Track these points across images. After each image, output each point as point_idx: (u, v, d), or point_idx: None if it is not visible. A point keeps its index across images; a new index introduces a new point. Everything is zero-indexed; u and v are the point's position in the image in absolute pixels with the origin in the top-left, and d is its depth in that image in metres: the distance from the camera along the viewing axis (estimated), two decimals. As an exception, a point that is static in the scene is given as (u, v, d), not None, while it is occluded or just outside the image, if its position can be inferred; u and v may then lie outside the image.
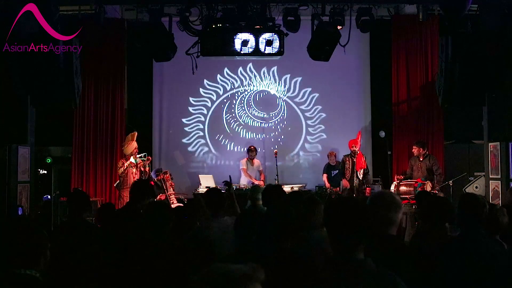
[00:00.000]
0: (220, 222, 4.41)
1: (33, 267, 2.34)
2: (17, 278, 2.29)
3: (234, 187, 9.13)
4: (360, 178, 9.07)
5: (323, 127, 10.69)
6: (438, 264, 2.90)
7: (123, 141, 9.62)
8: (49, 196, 8.80)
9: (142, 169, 8.92)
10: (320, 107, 10.71)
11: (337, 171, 9.81)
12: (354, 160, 9.04)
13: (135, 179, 8.74)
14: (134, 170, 8.81)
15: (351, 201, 2.23)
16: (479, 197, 3.26)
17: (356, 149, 9.06)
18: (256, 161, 10.00)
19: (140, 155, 8.99)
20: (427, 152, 9.07)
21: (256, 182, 9.40)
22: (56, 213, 8.60)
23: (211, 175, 9.74)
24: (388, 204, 2.68)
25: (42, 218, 8.51)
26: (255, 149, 9.97)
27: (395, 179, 8.91)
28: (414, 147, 9.03)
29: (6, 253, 2.35)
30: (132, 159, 8.77)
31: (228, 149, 10.71)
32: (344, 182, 9.35)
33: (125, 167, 8.72)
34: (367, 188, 8.93)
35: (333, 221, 2.08)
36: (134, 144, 8.92)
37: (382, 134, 9.85)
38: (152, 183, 8.44)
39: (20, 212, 7.45)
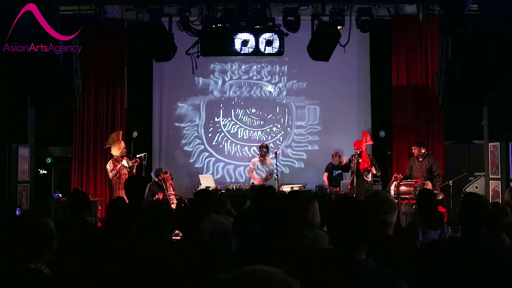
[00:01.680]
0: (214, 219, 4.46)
1: (38, 260, 2.32)
2: (23, 272, 2.26)
3: (234, 187, 9.21)
4: (369, 180, 9.03)
5: (323, 127, 10.69)
6: (440, 264, 2.89)
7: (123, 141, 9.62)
8: (60, 195, 8.76)
9: (134, 171, 8.84)
10: (320, 107, 10.70)
11: (339, 171, 9.81)
12: (360, 160, 9.01)
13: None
14: (125, 171, 8.77)
15: (352, 201, 2.23)
16: (482, 197, 3.25)
17: (360, 151, 9.03)
18: (269, 160, 9.93)
19: (140, 155, 8.97)
20: (426, 152, 9.06)
21: (256, 182, 9.39)
22: (56, 213, 8.60)
23: (211, 175, 9.74)
24: (383, 206, 2.68)
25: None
26: (266, 146, 9.91)
27: (393, 179, 8.90)
28: (414, 147, 8.99)
29: (11, 248, 2.33)
30: (124, 162, 8.67)
31: (228, 149, 10.70)
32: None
33: (117, 171, 8.64)
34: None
35: (334, 221, 2.08)
36: (122, 144, 8.87)
37: (382, 134, 9.85)
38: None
39: (18, 213, 7.42)
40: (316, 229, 3.62)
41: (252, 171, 9.81)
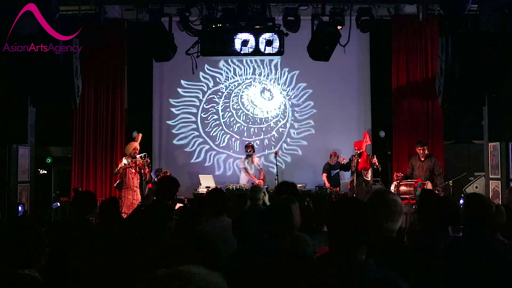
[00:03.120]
0: (221, 222, 4.43)
1: (32, 266, 2.32)
2: (16, 278, 2.26)
3: (233, 187, 9.21)
4: (368, 179, 9.02)
5: (322, 127, 10.68)
6: (443, 265, 2.88)
7: (123, 141, 9.67)
8: (58, 204, 8.73)
9: (142, 171, 8.83)
10: (319, 107, 10.69)
11: (337, 170, 9.81)
12: (359, 160, 9.02)
13: (133, 180, 8.71)
14: (133, 170, 8.76)
15: (352, 201, 2.23)
16: (486, 198, 3.24)
17: (360, 152, 9.04)
18: (256, 159, 9.95)
19: (140, 155, 8.98)
20: (428, 152, 9.07)
21: (257, 182, 9.39)
22: (56, 213, 8.60)
23: (211, 175, 9.74)
24: (391, 214, 2.59)
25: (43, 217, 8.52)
26: (252, 145, 9.92)
27: (394, 177, 8.91)
28: (419, 148, 8.98)
29: (5, 254, 2.33)
30: (124, 160, 8.72)
31: (228, 149, 10.70)
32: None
33: (118, 168, 8.71)
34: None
35: (334, 221, 2.07)
36: (133, 145, 8.90)
37: (382, 134, 9.85)
38: (150, 185, 8.45)
39: (20, 209, 7.41)
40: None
41: (245, 171, 9.80)
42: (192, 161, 10.65)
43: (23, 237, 2.36)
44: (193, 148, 10.69)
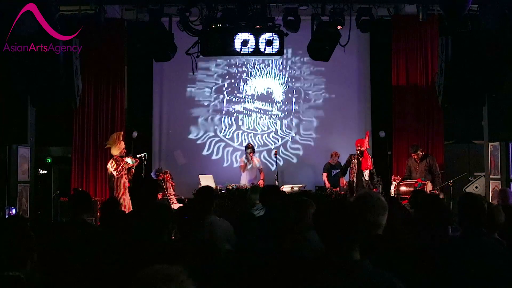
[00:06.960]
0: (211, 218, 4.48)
1: (18, 268, 2.29)
2: (1, 280, 2.25)
3: (233, 187, 9.21)
4: (367, 179, 9.01)
5: (323, 127, 10.68)
6: (439, 264, 2.89)
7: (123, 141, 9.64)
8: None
9: (133, 171, 8.75)
10: (320, 107, 10.70)
11: (337, 170, 9.80)
12: (361, 160, 9.00)
13: (126, 180, 8.65)
14: (124, 171, 8.71)
15: (342, 202, 2.23)
16: (478, 196, 3.25)
17: (362, 149, 9.03)
18: (256, 159, 9.94)
19: (140, 155, 8.98)
20: (424, 153, 9.07)
21: (256, 183, 9.38)
22: (56, 213, 8.60)
23: (211, 175, 9.73)
24: (376, 208, 2.64)
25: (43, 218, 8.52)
26: (251, 146, 9.89)
27: (392, 180, 8.90)
28: (412, 154, 9.00)
29: None
30: (128, 160, 8.60)
31: (228, 149, 10.71)
32: (341, 181, 9.38)
33: (121, 168, 8.57)
34: (375, 189, 8.87)
35: (324, 222, 2.08)
36: (122, 145, 8.84)
37: (382, 134, 9.84)
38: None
39: (13, 212, 7.35)
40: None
41: (243, 167, 9.77)
42: (192, 161, 10.63)
43: (11, 240, 2.32)
44: (194, 148, 10.70)
